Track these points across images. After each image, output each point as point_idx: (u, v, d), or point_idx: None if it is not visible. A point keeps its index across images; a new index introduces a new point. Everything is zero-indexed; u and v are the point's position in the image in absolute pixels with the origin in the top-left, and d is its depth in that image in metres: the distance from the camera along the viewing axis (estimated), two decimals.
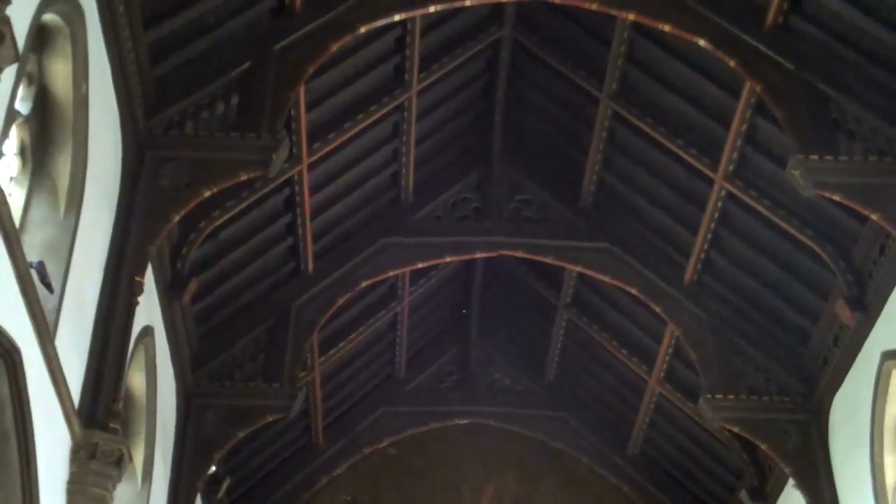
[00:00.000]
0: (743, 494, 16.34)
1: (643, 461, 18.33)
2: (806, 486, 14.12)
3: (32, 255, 8.61)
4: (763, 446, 14.61)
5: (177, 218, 11.24)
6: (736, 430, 14.72)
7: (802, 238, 13.18)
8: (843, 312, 13.00)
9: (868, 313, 12.73)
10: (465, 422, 18.71)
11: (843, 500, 13.74)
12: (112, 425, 9.75)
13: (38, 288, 8.38)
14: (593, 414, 18.79)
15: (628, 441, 18.25)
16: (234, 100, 11.68)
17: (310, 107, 13.36)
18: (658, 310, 15.41)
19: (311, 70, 12.11)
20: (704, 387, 14.66)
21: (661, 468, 18.29)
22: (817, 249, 13.05)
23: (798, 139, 11.46)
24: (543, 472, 18.38)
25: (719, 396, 14.48)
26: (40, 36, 8.90)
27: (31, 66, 8.90)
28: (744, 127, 13.24)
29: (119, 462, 9.56)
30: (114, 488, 9.68)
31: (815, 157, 11.30)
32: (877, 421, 12.74)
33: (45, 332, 8.51)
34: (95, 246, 10.21)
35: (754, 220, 14.06)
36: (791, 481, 14.51)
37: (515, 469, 18.40)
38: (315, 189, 14.56)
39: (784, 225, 13.35)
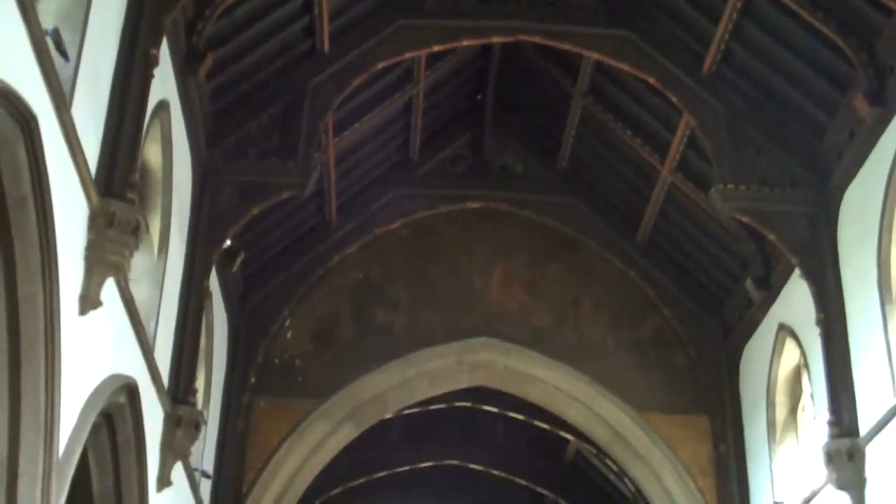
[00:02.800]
0: (748, 284, 16.64)
1: (652, 249, 18.54)
2: (811, 277, 14.34)
3: (48, 22, 8.52)
4: (771, 237, 14.76)
5: None
6: (745, 220, 14.86)
7: (825, 31, 12.97)
8: (861, 107, 12.93)
9: (886, 108, 12.66)
10: (476, 206, 18.83)
11: (847, 291, 13.96)
12: (129, 195, 9.87)
13: (53, 56, 8.33)
14: (604, 201, 18.91)
15: (638, 229, 18.42)
16: None
17: None
18: (674, 100, 15.32)
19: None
20: (717, 177, 14.73)
21: (669, 256, 18.52)
22: (840, 42, 12.87)
23: None
24: (552, 257, 18.62)
25: (731, 187, 14.56)
26: None
27: None
28: None
29: (136, 231, 9.71)
30: (131, 256, 9.87)
31: None
32: (886, 215, 12.83)
33: (62, 101, 8.51)
34: (111, 15, 10.11)
35: (777, 11, 13.80)
36: (797, 272, 14.72)
37: (524, 253, 18.63)
38: None
39: (807, 16, 13.12)
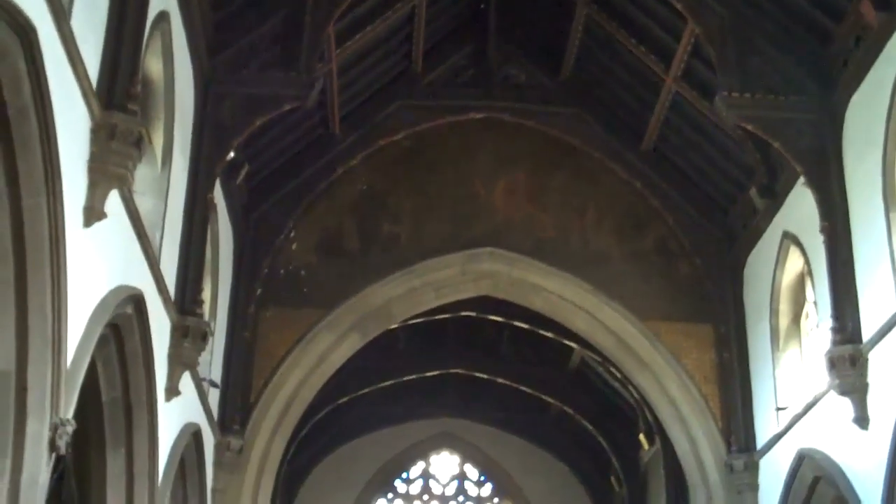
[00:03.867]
0: (753, 192, 16.63)
1: (656, 158, 18.49)
2: (816, 185, 14.34)
3: None
4: (776, 145, 14.73)
5: None
6: (750, 128, 14.81)
7: None
8: (868, 12, 12.81)
9: (892, 13, 12.55)
10: (479, 116, 18.74)
11: (851, 199, 13.96)
12: (130, 107, 9.83)
13: None
14: (609, 111, 18.81)
15: (642, 138, 18.35)
16: None
17: None
18: (679, 7, 15.16)
19: None
20: (722, 85, 14.64)
21: (674, 165, 18.47)
22: None
23: None
24: (556, 167, 18.57)
25: (736, 95, 14.48)
26: None
27: None
28: None
29: (138, 143, 9.70)
30: (134, 168, 9.87)
31: None
32: (892, 122, 12.79)
33: (61, 12, 8.44)
34: None
35: None
36: (801, 180, 14.71)
37: (528, 163, 18.59)
38: None
39: None
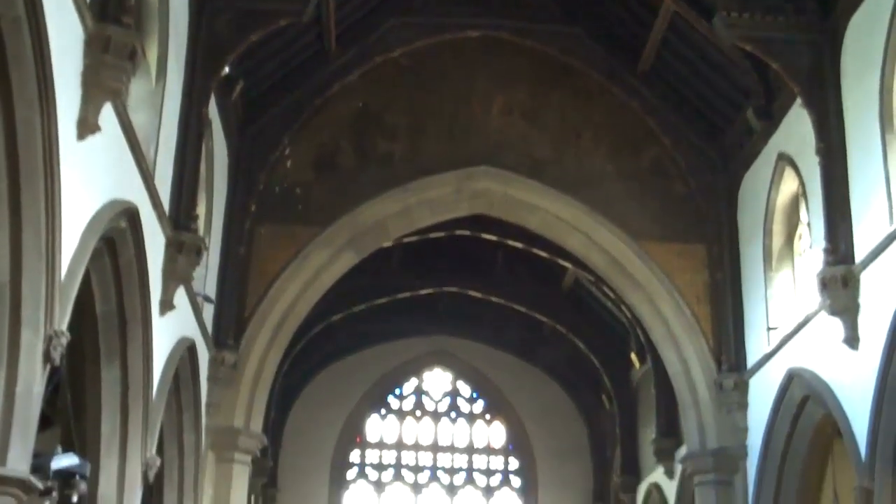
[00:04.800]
0: (749, 113, 16.59)
1: (653, 78, 18.37)
2: (813, 106, 14.31)
3: None
4: (774, 66, 14.68)
5: None
6: (749, 48, 14.75)
7: None
8: None
9: None
10: (477, 34, 18.56)
11: (848, 120, 13.93)
12: (125, 20, 9.73)
13: None
14: (607, 30, 18.64)
15: (640, 58, 18.22)
16: None
17: None
18: None
19: None
20: (720, 4, 14.54)
21: (671, 86, 18.37)
22: None
23: None
24: (553, 86, 18.46)
25: (734, 14, 14.41)
26: None
27: None
28: None
29: (132, 56, 9.63)
30: (128, 82, 9.82)
31: None
32: (891, 44, 12.74)
33: None
34: None
35: None
36: (798, 101, 14.67)
37: (526, 82, 18.48)
38: None
39: None
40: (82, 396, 11.38)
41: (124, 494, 11.68)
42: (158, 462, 12.62)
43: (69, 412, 11.27)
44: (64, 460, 9.49)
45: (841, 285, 13.39)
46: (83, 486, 9.78)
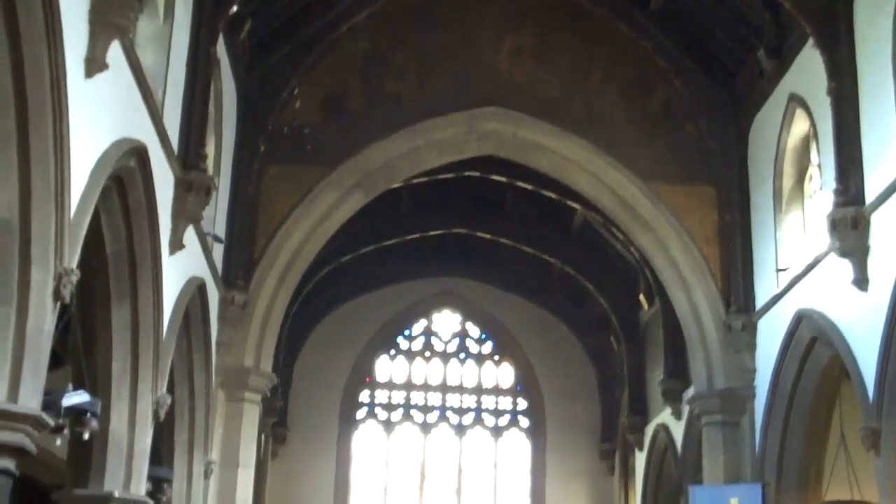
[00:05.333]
0: (760, 53, 16.47)
1: (664, 18, 18.17)
2: (825, 46, 14.20)
3: None
4: (786, 5, 14.54)
5: None
6: None
7: None
8: None
9: None
10: None
11: (860, 61, 13.83)
12: None
13: None
14: None
15: None
16: None
17: None
18: None
19: None
20: None
21: (682, 26, 18.20)
22: None
23: None
24: (563, 26, 18.28)
25: None
26: None
27: None
28: None
29: None
30: (136, 19, 9.76)
31: None
32: None
33: None
34: None
35: None
36: (810, 41, 14.56)
37: (535, 22, 18.30)
38: None
39: None
40: (93, 336, 11.42)
41: (135, 432, 11.77)
42: (169, 400, 12.69)
43: (80, 351, 11.33)
44: (75, 397, 9.54)
45: (850, 226, 13.37)
46: (94, 424, 9.86)
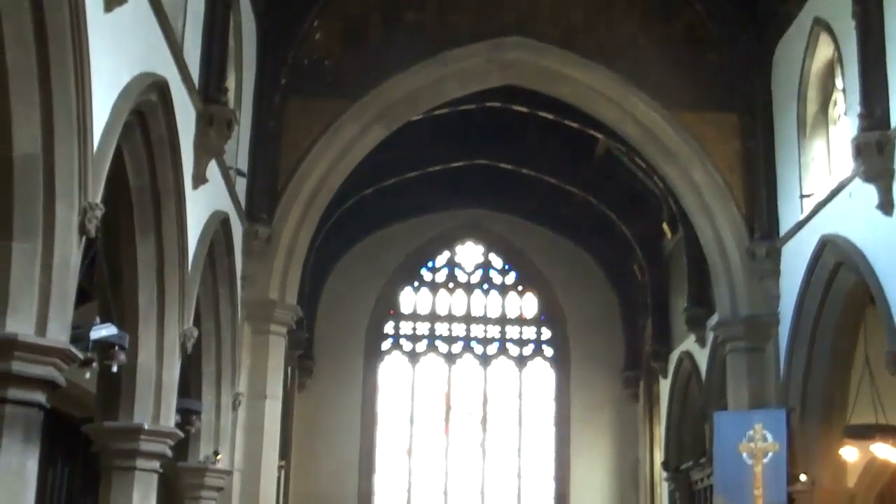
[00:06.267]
0: None
1: None
2: None
3: None
4: None
5: None
6: None
7: None
8: None
9: None
10: None
11: None
12: None
13: None
14: None
15: None
16: None
17: None
18: None
19: None
20: None
21: None
22: None
23: None
24: None
25: None
26: None
27: None
28: None
29: None
30: None
31: None
32: None
33: None
34: None
35: None
36: None
37: None
38: None
39: None
40: (119, 270, 11.50)
41: (163, 365, 11.88)
42: (196, 333, 12.81)
43: (106, 286, 11.42)
44: (103, 330, 9.62)
45: (875, 150, 13.26)
46: (122, 357, 9.94)
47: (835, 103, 16.05)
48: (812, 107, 16.38)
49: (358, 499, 25.20)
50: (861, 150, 13.39)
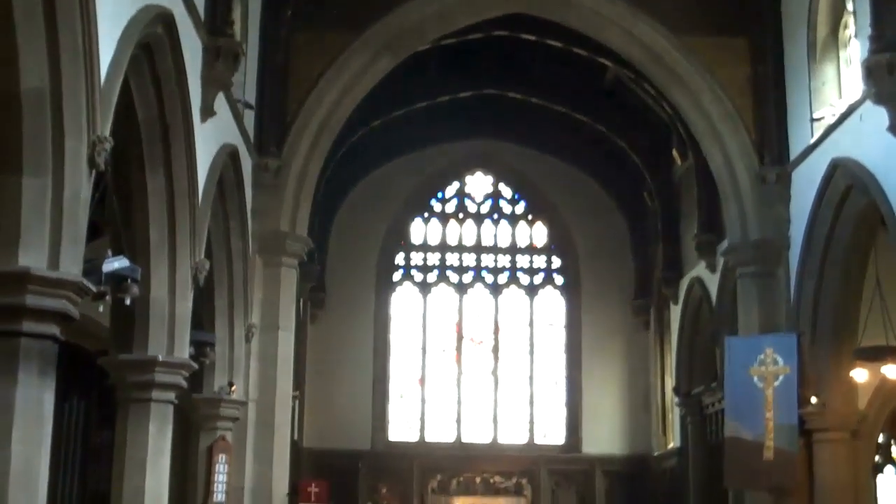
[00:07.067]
0: None
1: None
2: None
3: None
4: None
5: None
6: None
7: None
8: None
9: None
10: None
11: None
12: None
13: None
14: None
15: None
16: None
17: None
18: None
19: None
20: None
21: None
22: None
23: None
24: None
25: None
26: None
27: None
28: None
29: None
30: None
31: None
32: None
33: None
34: None
35: None
36: None
37: None
38: None
39: None
40: (129, 204, 11.54)
41: (176, 297, 11.96)
42: (207, 266, 12.87)
43: (117, 220, 11.45)
44: (115, 263, 9.67)
45: (886, 72, 13.15)
46: (135, 289, 10.00)
47: (845, 26, 15.91)
48: (822, 30, 16.23)
49: (372, 428, 25.41)
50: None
